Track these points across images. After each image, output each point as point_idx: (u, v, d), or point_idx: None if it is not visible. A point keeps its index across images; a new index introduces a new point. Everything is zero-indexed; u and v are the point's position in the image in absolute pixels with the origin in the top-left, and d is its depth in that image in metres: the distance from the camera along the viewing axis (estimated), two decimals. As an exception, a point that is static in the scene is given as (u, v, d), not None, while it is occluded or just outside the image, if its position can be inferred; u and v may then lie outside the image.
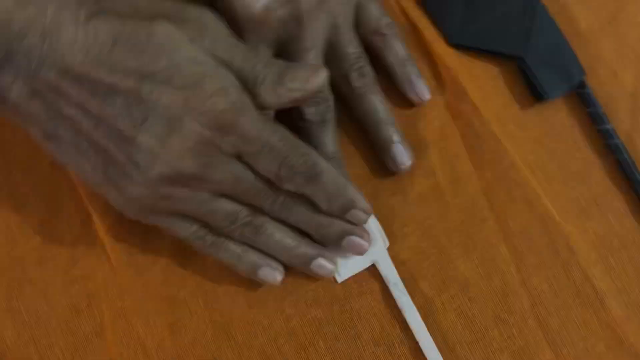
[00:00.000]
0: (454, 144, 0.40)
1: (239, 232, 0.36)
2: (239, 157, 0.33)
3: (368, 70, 0.38)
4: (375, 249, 0.38)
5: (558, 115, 0.40)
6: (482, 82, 0.41)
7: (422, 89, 0.39)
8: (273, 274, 0.37)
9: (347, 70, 0.38)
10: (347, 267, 0.38)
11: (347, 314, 0.38)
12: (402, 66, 0.39)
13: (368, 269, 0.38)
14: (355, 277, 0.38)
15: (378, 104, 0.38)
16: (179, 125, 0.31)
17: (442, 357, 0.37)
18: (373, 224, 0.38)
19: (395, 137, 0.38)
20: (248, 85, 0.32)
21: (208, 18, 0.34)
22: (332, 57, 0.38)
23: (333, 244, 0.37)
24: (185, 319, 0.38)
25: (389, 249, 0.38)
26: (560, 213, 0.39)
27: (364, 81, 0.38)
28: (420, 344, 0.37)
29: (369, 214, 0.36)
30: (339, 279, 0.38)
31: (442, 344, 0.37)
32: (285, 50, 0.37)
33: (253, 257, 0.37)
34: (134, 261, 0.38)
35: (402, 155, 0.38)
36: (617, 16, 0.41)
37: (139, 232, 0.38)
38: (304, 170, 0.34)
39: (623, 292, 0.38)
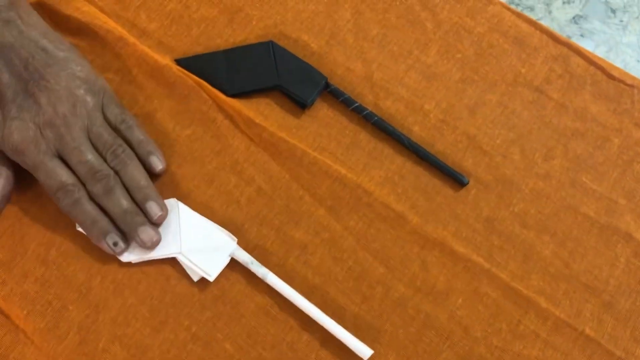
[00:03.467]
0: (260, 156, 0.53)
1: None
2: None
3: (121, 150, 0.50)
4: (229, 246, 0.49)
5: (322, 111, 0.55)
6: (262, 109, 0.55)
7: (155, 162, 0.51)
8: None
9: (105, 153, 0.50)
10: (214, 267, 0.49)
11: (228, 304, 0.49)
12: (140, 147, 0.51)
13: (228, 266, 0.49)
14: (222, 275, 0.49)
15: (136, 173, 0.50)
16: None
17: (306, 299, 0.48)
18: (221, 230, 0.50)
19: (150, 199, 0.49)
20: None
21: None
22: (95, 143, 0.50)
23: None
24: None
25: (238, 242, 0.50)
26: (350, 171, 0.53)
27: (118, 160, 0.50)
28: (288, 297, 0.48)
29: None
30: (212, 278, 0.49)
31: (304, 292, 0.49)
32: (63, 151, 0.49)
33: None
34: (51, 332, 0.47)
35: (153, 210, 0.49)
36: (333, 34, 0.58)
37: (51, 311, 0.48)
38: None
39: (413, 208, 0.52)
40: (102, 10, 0.57)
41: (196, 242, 0.50)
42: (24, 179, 0.50)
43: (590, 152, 0.54)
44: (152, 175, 0.51)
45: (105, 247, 0.48)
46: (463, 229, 0.51)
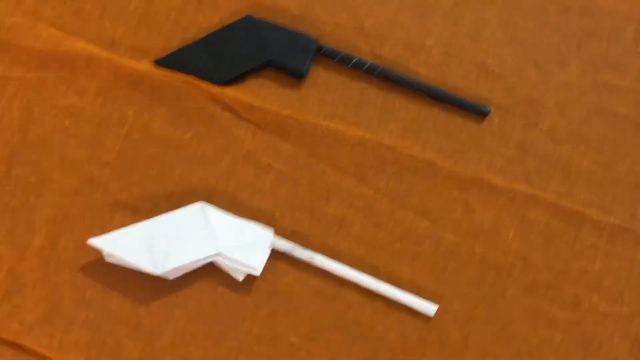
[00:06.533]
0: (271, 140, 0.50)
1: None
2: None
3: None
4: (267, 238, 0.47)
5: (321, 76, 0.52)
6: (259, 91, 0.52)
7: None
8: None
9: None
10: (257, 261, 0.47)
11: (282, 296, 0.47)
12: None
13: (270, 258, 0.48)
14: (267, 269, 0.48)
15: None
16: None
17: (358, 271, 0.47)
18: (254, 224, 0.48)
19: None
20: None
21: None
22: None
23: None
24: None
25: (274, 232, 0.48)
26: (367, 131, 0.50)
27: None
28: (340, 274, 0.47)
29: None
30: (258, 272, 0.47)
31: (353, 264, 0.47)
32: None
33: None
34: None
35: None
36: None
37: None
38: None
39: (440, 152, 0.50)
40: (62, 29, 0.53)
41: (232, 240, 0.48)
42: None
43: (605, 48, 0.51)
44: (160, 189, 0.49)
45: None
46: (496, 160, 0.49)
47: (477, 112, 0.50)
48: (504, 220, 0.48)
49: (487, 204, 0.48)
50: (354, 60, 0.51)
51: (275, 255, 0.48)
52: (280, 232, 0.49)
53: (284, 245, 0.48)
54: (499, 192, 0.48)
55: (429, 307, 0.46)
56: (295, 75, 0.51)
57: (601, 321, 0.46)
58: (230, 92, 0.51)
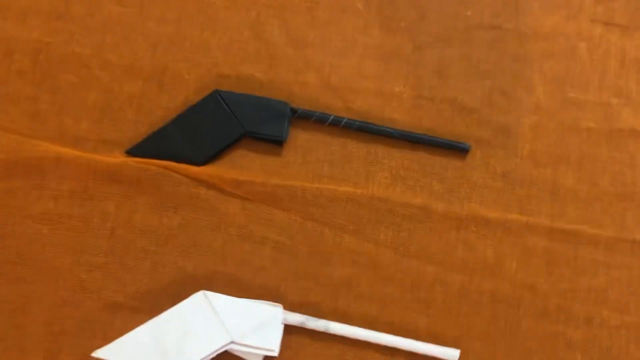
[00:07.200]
0: (262, 211, 0.49)
1: None
2: None
3: None
4: (277, 314, 0.46)
5: (300, 138, 0.51)
6: (241, 163, 0.50)
7: None
8: None
9: None
10: (273, 341, 0.46)
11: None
12: None
13: (283, 334, 0.46)
14: (282, 346, 0.47)
15: None
16: None
17: (374, 331, 0.46)
18: (261, 303, 0.46)
19: None
20: None
21: None
22: None
23: None
24: None
25: (283, 307, 0.47)
26: (357, 186, 0.50)
27: None
28: (357, 337, 0.46)
29: None
30: (276, 353, 0.46)
31: (368, 325, 0.47)
32: None
33: None
34: None
35: None
36: (271, 55, 0.53)
37: None
38: None
39: (431, 195, 0.50)
40: (21, 133, 0.50)
41: (243, 325, 0.46)
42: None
43: (565, 67, 0.53)
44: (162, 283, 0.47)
45: None
46: (486, 194, 0.50)
47: (458, 149, 0.51)
48: (504, 252, 0.49)
49: (486, 239, 0.49)
50: (330, 118, 0.51)
51: (289, 330, 0.47)
52: (288, 305, 0.47)
53: (296, 318, 0.47)
54: (495, 225, 0.49)
55: (451, 353, 0.46)
56: (276, 142, 0.51)
57: (615, 333, 0.48)
58: (211, 171, 0.50)
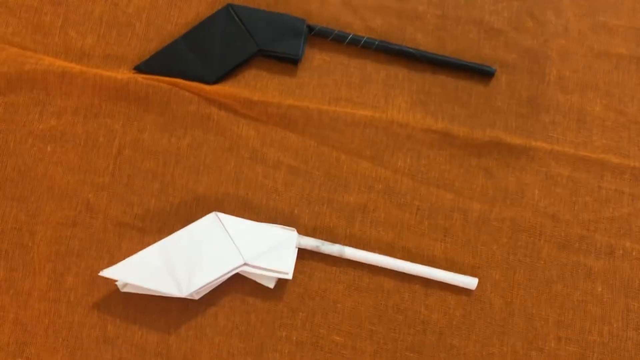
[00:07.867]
0: (276, 134, 0.47)
1: None
2: None
3: None
4: (291, 238, 0.45)
5: (317, 58, 0.49)
6: (254, 83, 0.48)
7: None
8: None
9: None
10: (286, 264, 0.44)
11: (316, 296, 0.45)
12: None
13: (297, 258, 0.45)
14: (295, 270, 0.45)
15: None
16: None
17: (390, 257, 0.45)
18: (275, 226, 0.45)
19: None
20: None
21: None
22: None
23: None
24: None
25: (297, 230, 0.46)
26: (375, 110, 0.48)
27: None
28: (372, 263, 0.45)
29: None
30: (289, 276, 0.44)
31: (384, 250, 0.45)
32: None
33: None
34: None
35: None
36: None
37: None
38: None
39: (453, 120, 0.48)
40: (24, 46, 0.48)
41: (256, 247, 0.45)
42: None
43: (598, -11, 0.50)
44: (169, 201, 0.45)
45: None
46: (510, 120, 0.48)
47: (483, 73, 0.48)
48: (527, 180, 0.47)
49: (508, 166, 0.47)
50: (349, 37, 0.48)
51: (303, 254, 0.45)
52: (302, 230, 0.46)
53: (310, 242, 0.45)
54: (519, 152, 0.47)
55: (470, 281, 0.45)
56: (290, 61, 0.48)
57: (637, 266, 0.46)
58: (224, 90, 0.47)
